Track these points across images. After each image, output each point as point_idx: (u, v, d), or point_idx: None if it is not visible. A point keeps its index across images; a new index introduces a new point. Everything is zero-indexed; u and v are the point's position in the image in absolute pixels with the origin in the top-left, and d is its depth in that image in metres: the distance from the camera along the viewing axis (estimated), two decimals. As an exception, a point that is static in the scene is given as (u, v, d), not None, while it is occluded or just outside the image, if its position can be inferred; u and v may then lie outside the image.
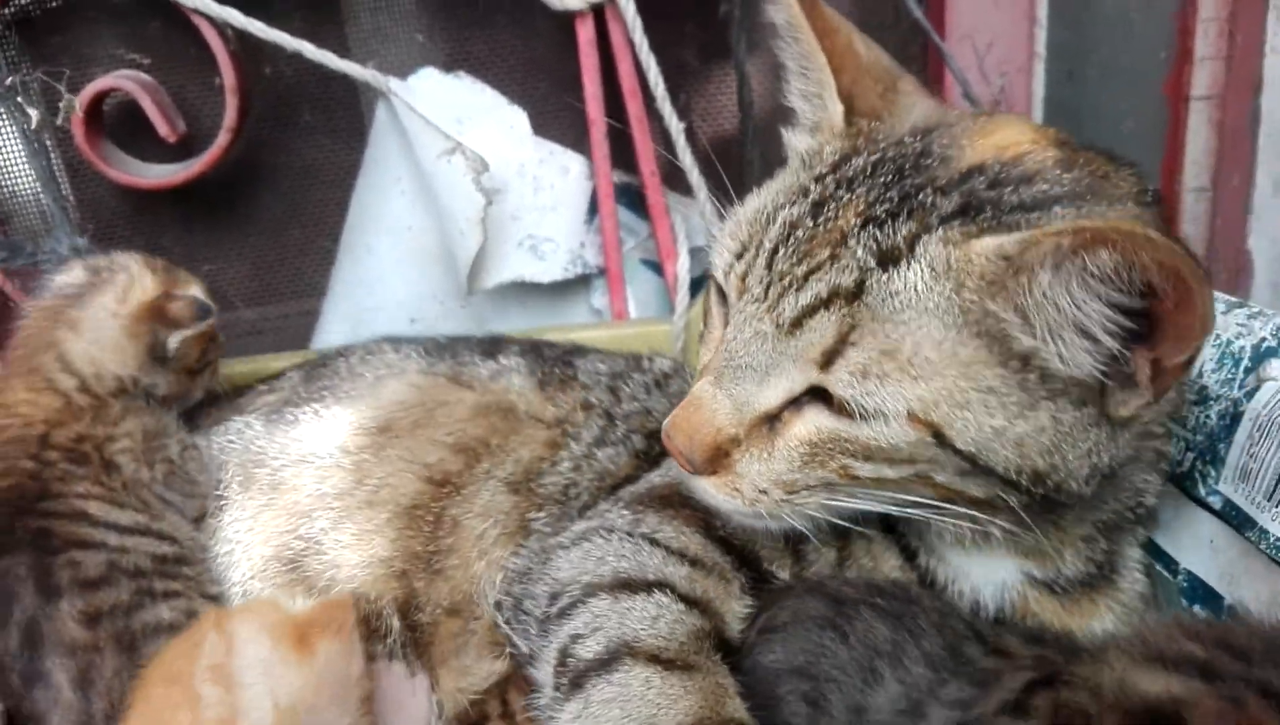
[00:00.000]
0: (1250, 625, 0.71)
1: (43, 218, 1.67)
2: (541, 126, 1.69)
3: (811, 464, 0.80)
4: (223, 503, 1.14)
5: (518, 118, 1.67)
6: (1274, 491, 0.86)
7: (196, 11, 1.54)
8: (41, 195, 1.65)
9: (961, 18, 1.74)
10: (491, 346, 1.26)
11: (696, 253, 1.73)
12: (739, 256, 0.84)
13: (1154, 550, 1.00)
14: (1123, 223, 0.68)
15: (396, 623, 1.04)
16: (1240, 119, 1.46)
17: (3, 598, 0.95)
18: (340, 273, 1.76)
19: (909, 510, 0.81)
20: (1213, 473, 0.93)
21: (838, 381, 0.76)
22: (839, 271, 0.76)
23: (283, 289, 1.88)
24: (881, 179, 0.80)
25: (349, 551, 1.07)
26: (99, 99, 1.59)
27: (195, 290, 1.25)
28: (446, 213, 1.62)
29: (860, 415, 0.76)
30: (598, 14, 1.62)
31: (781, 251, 0.80)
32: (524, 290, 1.72)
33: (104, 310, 1.17)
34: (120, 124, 1.66)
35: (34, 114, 1.55)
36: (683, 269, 1.66)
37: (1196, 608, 0.96)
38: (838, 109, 0.89)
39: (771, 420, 0.81)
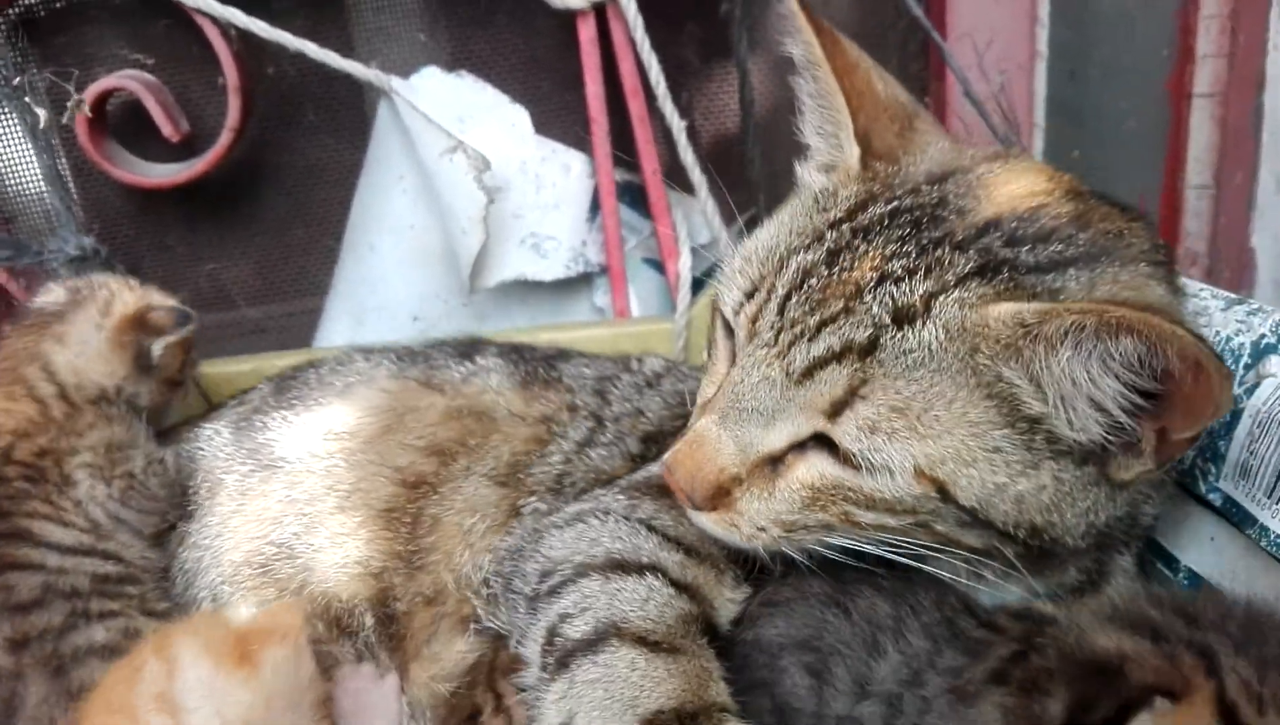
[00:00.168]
0: (1212, 596, 0.74)
1: (48, 217, 1.68)
2: (543, 125, 1.69)
3: (812, 508, 0.80)
4: (191, 509, 1.14)
5: (519, 116, 1.67)
6: (1274, 488, 0.86)
7: (200, 11, 1.55)
8: (47, 195, 1.65)
9: (961, 15, 1.74)
10: (468, 348, 1.26)
11: (698, 251, 1.73)
12: (749, 296, 0.84)
13: (1154, 548, 1.00)
14: (1151, 316, 0.69)
15: (370, 619, 1.04)
16: (1243, 116, 1.46)
17: None
18: (343, 271, 1.77)
19: (903, 553, 0.81)
20: (1213, 470, 0.93)
21: (845, 434, 0.76)
22: (853, 326, 0.76)
23: (286, 288, 1.89)
24: (898, 231, 0.80)
25: (322, 555, 1.07)
26: (103, 99, 1.60)
27: (171, 302, 1.27)
28: (448, 211, 1.63)
29: (866, 468, 0.76)
30: (599, 13, 1.62)
31: (794, 298, 0.80)
32: (526, 288, 1.73)
33: (89, 322, 1.19)
34: (124, 124, 1.66)
35: (41, 113, 1.56)
36: (684, 267, 1.67)
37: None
38: (854, 151, 0.89)
39: (774, 462, 0.81)
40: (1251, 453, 0.88)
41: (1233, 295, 1.00)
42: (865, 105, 0.90)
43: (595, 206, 1.71)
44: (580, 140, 1.72)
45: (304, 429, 1.16)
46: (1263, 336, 0.92)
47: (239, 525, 1.10)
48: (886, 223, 0.81)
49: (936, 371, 0.75)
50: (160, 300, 1.25)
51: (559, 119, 1.74)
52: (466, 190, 1.57)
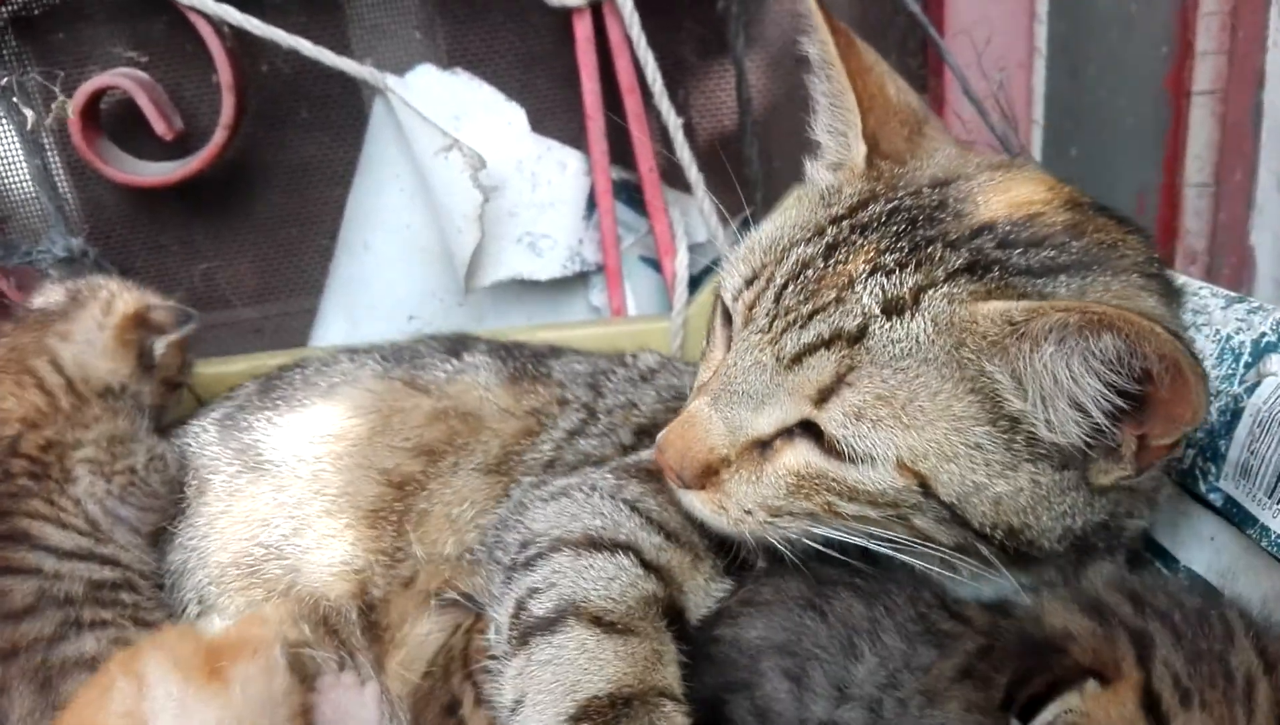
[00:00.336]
0: (1167, 584, 0.76)
1: (43, 217, 1.67)
2: (539, 123, 1.68)
3: (797, 495, 0.82)
4: (182, 508, 1.14)
5: (515, 114, 1.66)
6: (1275, 488, 0.85)
7: (193, 9, 1.54)
8: (38, 195, 1.64)
9: (960, 12, 1.73)
10: (456, 345, 1.26)
11: (695, 249, 1.72)
12: (749, 283, 0.86)
13: (1153, 547, 1.00)
14: (1130, 312, 0.70)
15: (354, 615, 1.05)
16: (1242, 114, 1.45)
17: None
18: (338, 270, 1.76)
19: (883, 545, 0.82)
20: (1213, 469, 0.92)
21: (830, 420, 0.78)
22: (843, 315, 0.79)
23: (281, 287, 1.88)
24: (894, 227, 0.82)
25: (310, 555, 1.07)
26: (96, 97, 1.59)
27: (170, 302, 1.29)
28: (444, 210, 1.62)
29: (850, 457, 0.78)
30: (595, 10, 1.61)
31: (791, 287, 0.82)
32: (522, 287, 1.72)
33: (92, 321, 1.21)
34: (117, 122, 1.65)
35: (29, 114, 1.55)
36: (681, 266, 1.66)
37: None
38: (861, 150, 0.91)
39: (763, 446, 0.83)
40: (1252, 452, 0.88)
41: (1233, 293, 1.00)
42: (876, 107, 0.92)
43: (592, 205, 1.71)
44: (576, 138, 1.71)
45: (289, 431, 1.16)
46: (1263, 335, 0.92)
47: (226, 527, 1.10)
48: (884, 220, 0.84)
49: (923, 363, 0.76)
50: (159, 300, 1.27)
51: (555, 117, 1.74)
52: (462, 188, 1.57)
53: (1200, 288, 1.02)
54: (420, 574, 1.06)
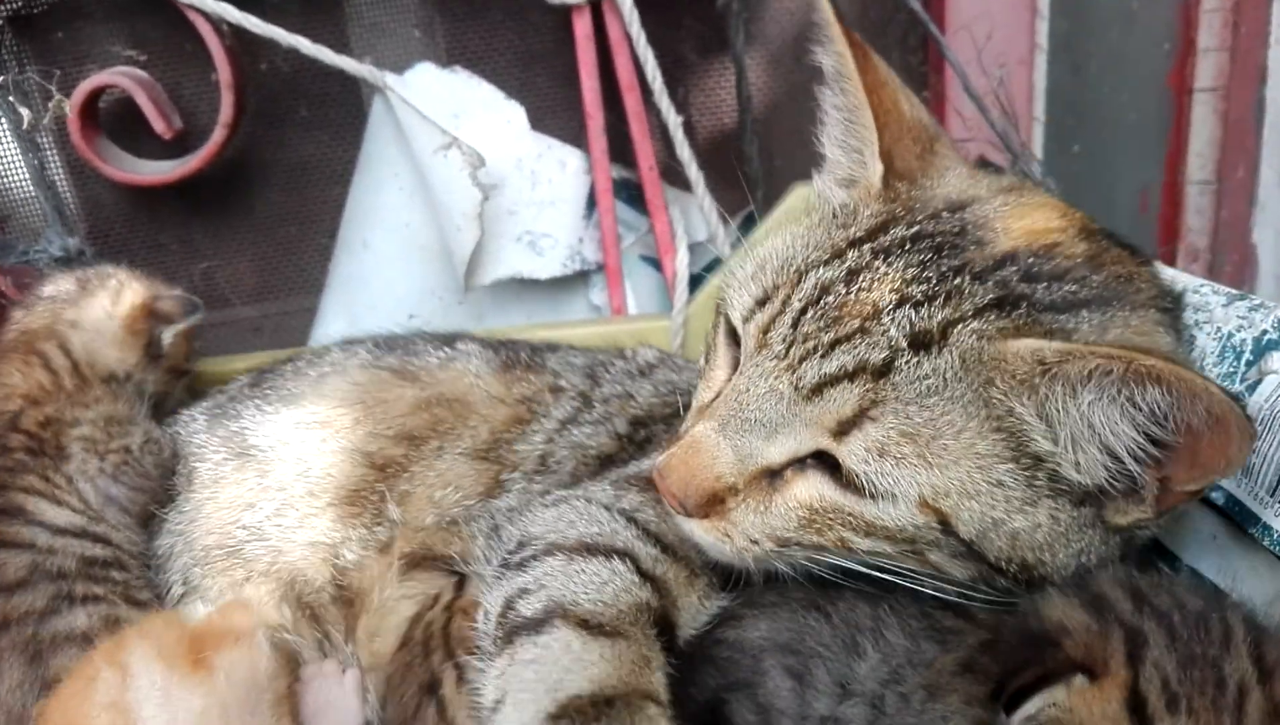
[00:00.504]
0: (1178, 585, 0.75)
1: (41, 216, 1.67)
2: (539, 121, 1.68)
3: (809, 529, 0.80)
4: (172, 495, 1.16)
5: (515, 112, 1.66)
6: (1277, 487, 0.85)
7: (192, 7, 1.53)
8: (36, 194, 1.64)
9: (961, 8, 1.73)
10: (449, 337, 1.27)
11: (695, 248, 1.72)
12: (761, 304, 0.84)
13: (1155, 547, 0.99)
14: (1182, 368, 0.70)
15: (330, 591, 1.06)
16: (1245, 111, 1.45)
17: None
18: (338, 269, 1.76)
19: (890, 575, 0.81)
20: (1215, 468, 0.92)
21: (851, 454, 0.76)
22: (869, 347, 0.76)
23: (281, 286, 1.88)
24: (918, 256, 0.80)
25: (291, 534, 1.08)
26: (95, 96, 1.59)
27: (177, 291, 1.32)
28: (443, 208, 1.62)
29: (870, 494, 0.76)
30: (595, 8, 1.61)
31: (810, 313, 0.80)
32: (522, 286, 1.72)
33: (101, 310, 1.24)
34: (116, 121, 1.65)
35: (25, 113, 1.55)
36: (681, 264, 1.66)
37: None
38: (877, 168, 0.89)
39: (773, 475, 0.81)
40: (1254, 451, 0.87)
41: (1234, 291, 0.99)
42: (891, 123, 0.90)
43: (592, 203, 1.70)
44: (576, 136, 1.71)
45: (276, 418, 1.17)
46: (1265, 332, 0.91)
47: (212, 512, 1.12)
48: (907, 247, 0.82)
49: (949, 400, 0.75)
50: (166, 290, 1.30)
51: (555, 115, 1.73)
52: (461, 187, 1.57)
53: (1202, 285, 1.01)
54: (396, 539, 1.07)
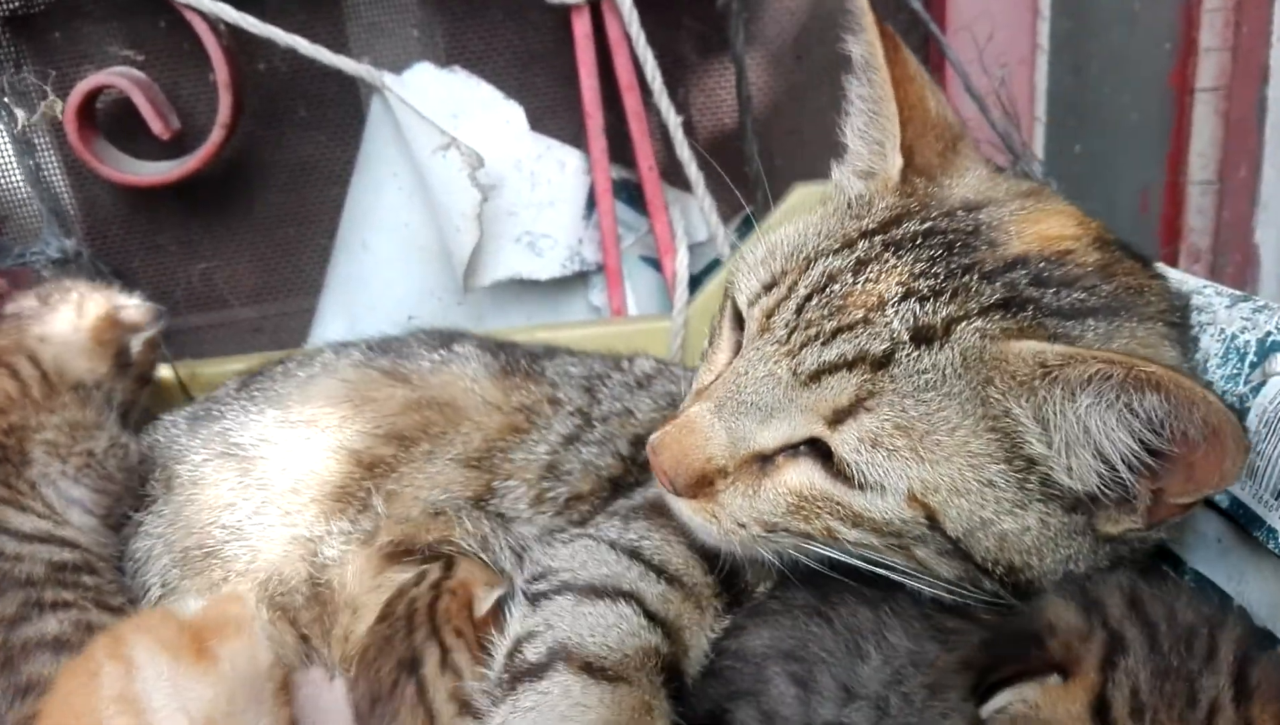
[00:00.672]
0: (1177, 594, 0.74)
1: (38, 218, 1.67)
2: (538, 121, 1.68)
3: (796, 515, 0.80)
4: (147, 500, 1.15)
5: (514, 112, 1.66)
6: (1282, 489, 0.84)
7: (189, 7, 1.53)
8: (33, 196, 1.64)
9: (961, 8, 1.72)
10: (447, 339, 1.26)
11: (695, 248, 1.71)
12: (767, 288, 0.83)
13: (1160, 551, 0.99)
14: (1182, 376, 0.69)
15: (305, 590, 1.05)
16: (1247, 110, 1.45)
17: None
18: (336, 270, 1.75)
19: (878, 569, 0.81)
20: (1219, 470, 0.91)
21: (844, 443, 0.76)
22: (870, 337, 0.76)
23: (279, 287, 1.87)
24: (928, 251, 0.80)
25: (271, 530, 1.08)
26: (92, 96, 1.58)
27: (136, 299, 1.32)
28: (442, 209, 1.61)
29: (860, 484, 0.76)
30: (594, 7, 1.61)
31: (815, 300, 0.79)
32: (522, 287, 1.71)
33: (67, 323, 1.23)
34: (114, 121, 1.65)
35: (20, 114, 1.54)
36: (681, 265, 1.65)
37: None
38: (897, 162, 0.89)
39: (764, 460, 0.81)
40: (1258, 453, 0.87)
41: (1237, 292, 0.99)
42: (915, 119, 0.89)
43: (591, 204, 1.70)
44: (576, 137, 1.70)
45: (261, 418, 1.16)
46: (1269, 334, 0.91)
47: (191, 513, 1.11)
48: (919, 241, 0.81)
49: (946, 396, 0.75)
50: (124, 299, 1.30)
51: (554, 115, 1.73)
52: (460, 187, 1.56)
53: (1204, 286, 1.00)
54: (380, 531, 1.06)
